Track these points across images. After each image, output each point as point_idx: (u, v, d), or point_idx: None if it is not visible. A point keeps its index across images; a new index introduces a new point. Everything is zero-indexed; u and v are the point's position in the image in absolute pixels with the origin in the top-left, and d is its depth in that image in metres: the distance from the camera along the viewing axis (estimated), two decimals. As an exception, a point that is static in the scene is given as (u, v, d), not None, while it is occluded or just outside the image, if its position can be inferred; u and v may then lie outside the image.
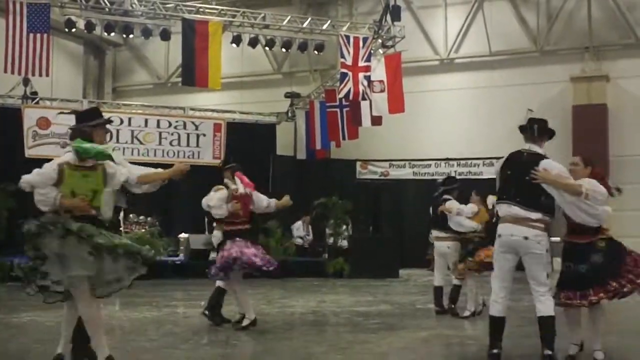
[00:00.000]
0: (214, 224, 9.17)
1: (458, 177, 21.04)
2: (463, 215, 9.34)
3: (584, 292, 5.96)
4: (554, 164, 5.89)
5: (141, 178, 5.59)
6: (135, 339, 6.79)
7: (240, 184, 8.26)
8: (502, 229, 5.98)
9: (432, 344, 7.44)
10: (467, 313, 9.37)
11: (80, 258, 5.04)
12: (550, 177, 5.77)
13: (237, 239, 8.13)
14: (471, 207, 9.46)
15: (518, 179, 5.95)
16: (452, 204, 9.43)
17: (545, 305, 5.86)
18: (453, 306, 9.60)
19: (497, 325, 6.01)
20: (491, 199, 9.65)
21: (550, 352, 5.77)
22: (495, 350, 5.95)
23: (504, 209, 6.01)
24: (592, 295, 5.94)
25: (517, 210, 5.90)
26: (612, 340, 7.16)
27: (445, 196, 9.71)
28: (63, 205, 5.12)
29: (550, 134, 6.18)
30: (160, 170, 5.79)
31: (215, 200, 8.21)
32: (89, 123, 5.58)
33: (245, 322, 8.13)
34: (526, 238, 5.83)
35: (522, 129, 6.18)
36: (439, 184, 10.24)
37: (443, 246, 9.75)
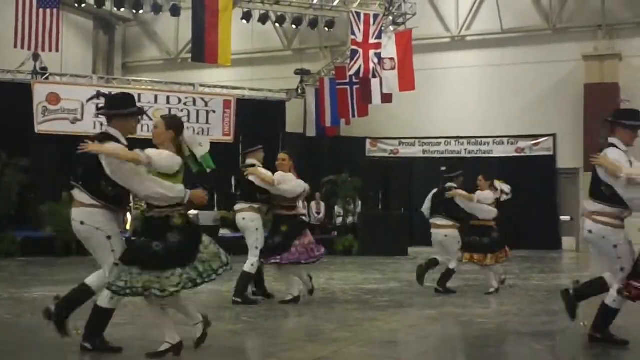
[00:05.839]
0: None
1: (468, 155, 21.19)
2: (484, 203, 9.46)
3: None
4: (612, 151, 5.68)
5: None
6: (145, 314, 6.80)
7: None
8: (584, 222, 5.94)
9: (441, 322, 7.45)
10: (492, 290, 9.58)
11: None
12: (602, 160, 5.58)
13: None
14: (488, 194, 9.55)
15: (593, 171, 5.83)
16: (473, 195, 9.48)
17: (608, 295, 5.77)
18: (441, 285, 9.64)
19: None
20: (498, 183, 9.77)
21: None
22: None
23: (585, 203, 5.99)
24: None
25: (587, 204, 5.86)
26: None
27: (449, 184, 9.71)
28: None
29: (620, 123, 5.80)
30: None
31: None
32: (123, 111, 5.41)
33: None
34: (590, 232, 5.75)
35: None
36: (443, 171, 10.23)
37: (440, 234, 9.69)
